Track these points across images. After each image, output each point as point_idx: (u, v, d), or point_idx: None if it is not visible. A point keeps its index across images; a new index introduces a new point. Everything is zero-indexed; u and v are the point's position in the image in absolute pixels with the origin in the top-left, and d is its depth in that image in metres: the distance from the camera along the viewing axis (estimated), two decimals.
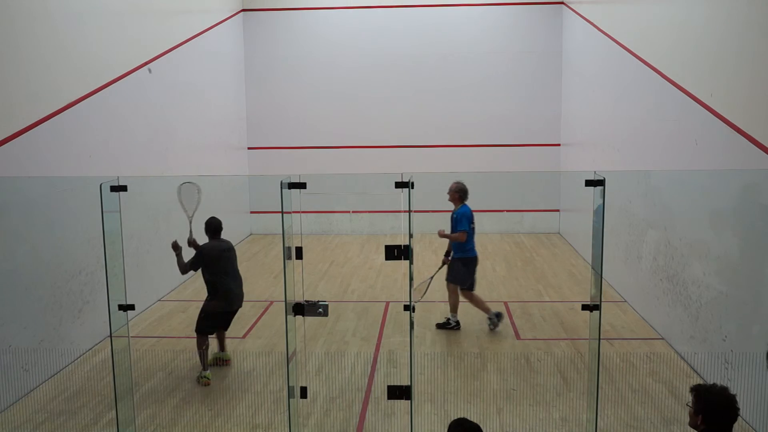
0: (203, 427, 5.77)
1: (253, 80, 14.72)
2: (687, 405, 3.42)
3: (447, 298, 8.24)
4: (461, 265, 8.01)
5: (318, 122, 14.74)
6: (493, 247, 13.23)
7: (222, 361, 7.12)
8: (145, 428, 5.75)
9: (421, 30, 14.45)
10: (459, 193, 8.09)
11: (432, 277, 8.04)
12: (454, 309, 8.14)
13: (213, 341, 7.04)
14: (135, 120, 9.12)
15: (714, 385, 3.42)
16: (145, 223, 9.12)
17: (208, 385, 6.59)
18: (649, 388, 6.39)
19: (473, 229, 8.11)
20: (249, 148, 14.87)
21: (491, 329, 8.04)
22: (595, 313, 4.85)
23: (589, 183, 4.66)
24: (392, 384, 5.96)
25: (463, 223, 7.92)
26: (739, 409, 3.34)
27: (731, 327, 6.00)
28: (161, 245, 9.64)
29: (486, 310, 8.11)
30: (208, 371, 6.71)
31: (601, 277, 4.96)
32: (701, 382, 6.49)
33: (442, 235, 8.08)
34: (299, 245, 4.95)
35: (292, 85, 14.72)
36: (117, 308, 5.41)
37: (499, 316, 8.11)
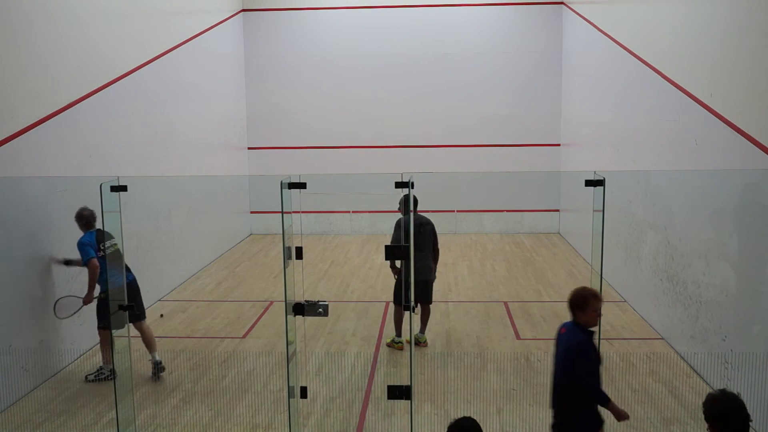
0: (203, 427, 5.77)
1: (253, 80, 14.72)
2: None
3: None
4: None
5: (318, 122, 14.74)
6: (493, 247, 13.23)
7: (416, 343, 7.46)
8: (145, 428, 5.75)
9: (421, 30, 14.46)
10: (82, 221, 6.72)
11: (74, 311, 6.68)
12: (108, 359, 6.73)
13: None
14: (135, 120, 9.12)
15: (719, 392, 3.29)
16: (145, 223, 9.12)
17: (401, 349, 7.41)
18: (649, 388, 6.39)
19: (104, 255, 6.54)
20: (249, 148, 14.87)
21: (154, 376, 6.78)
22: None
23: (589, 183, 4.66)
24: (392, 384, 5.95)
25: (87, 251, 6.54)
26: (744, 406, 3.20)
27: (731, 327, 6.00)
28: (161, 245, 9.67)
29: (151, 347, 6.88)
30: (403, 338, 7.47)
31: (601, 277, 4.96)
32: (702, 383, 6.49)
33: (90, 295, 6.67)
34: (299, 245, 4.95)
35: (292, 85, 14.72)
36: (117, 308, 5.43)
37: (158, 366, 6.80)
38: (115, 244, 6.51)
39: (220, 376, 6.84)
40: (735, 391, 3.29)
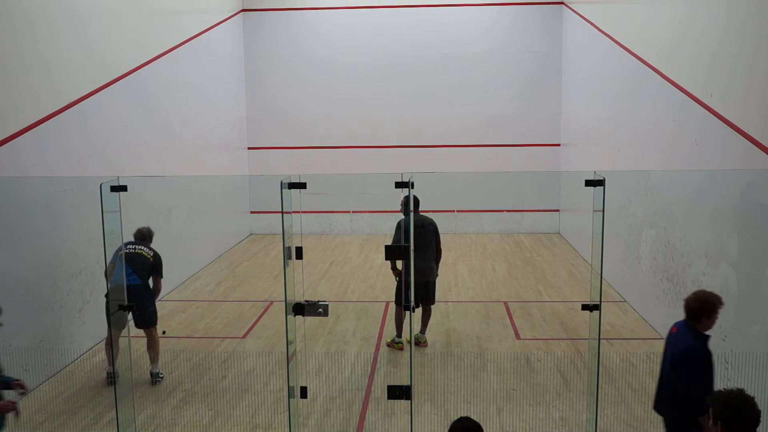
0: (203, 427, 5.77)
1: (253, 80, 14.72)
2: (706, 418, 3.21)
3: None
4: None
5: (318, 122, 14.74)
6: (493, 247, 13.23)
7: (416, 343, 7.46)
8: (145, 428, 5.75)
9: (421, 30, 14.46)
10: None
11: None
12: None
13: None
14: (135, 120, 9.12)
15: (731, 389, 3.23)
16: (145, 223, 9.10)
17: (402, 349, 7.39)
18: (649, 388, 6.38)
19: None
20: (249, 148, 14.87)
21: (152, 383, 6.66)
22: (595, 313, 4.85)
23: (589, 183, 4.66)
24: (392, 384, 5.95)
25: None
26: (759, 411, 3.13)
27: (731, 327, 6.00)
28: (161, 245, 9.65)
29: (153, 359, 6.73)
30: (403, 338, 7.44)
31: (602, 277, 4.96)
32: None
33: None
34: (299, 245, 4.95)
35: (292, 85, 14.73)
36: (117, 308, 5.43)
37: (156, 377, 6.67)
38: (135, 248, 6.69)
39: (220, 376, 6.84)
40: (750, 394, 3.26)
